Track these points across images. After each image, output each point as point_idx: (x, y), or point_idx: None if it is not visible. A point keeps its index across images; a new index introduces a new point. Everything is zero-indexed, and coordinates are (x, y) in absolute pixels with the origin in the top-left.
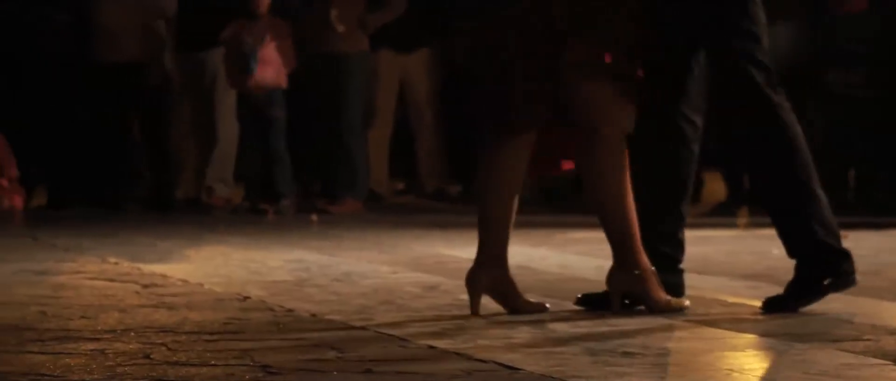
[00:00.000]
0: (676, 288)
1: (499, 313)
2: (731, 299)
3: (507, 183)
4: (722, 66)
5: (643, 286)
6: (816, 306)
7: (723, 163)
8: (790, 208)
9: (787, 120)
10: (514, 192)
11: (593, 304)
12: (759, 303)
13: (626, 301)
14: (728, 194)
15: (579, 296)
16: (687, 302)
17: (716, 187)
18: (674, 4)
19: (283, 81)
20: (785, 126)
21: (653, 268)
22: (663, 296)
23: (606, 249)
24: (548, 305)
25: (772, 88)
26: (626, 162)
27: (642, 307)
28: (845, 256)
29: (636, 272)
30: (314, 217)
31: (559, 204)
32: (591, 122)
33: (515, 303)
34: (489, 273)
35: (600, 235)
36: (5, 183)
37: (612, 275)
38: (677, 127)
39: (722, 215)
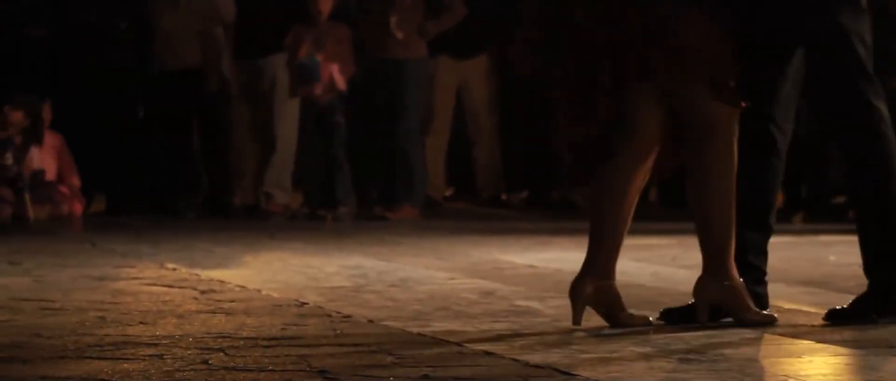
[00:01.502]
0: (762, 299)
1: (558, 317)
2: (787, 306)
3: (617, 196)
4: (824, 75)
5: (734, 298)
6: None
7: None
8: (883, 222)
9: (888, 134)
10: (624, 204)
11: (677, 318)
12: (815, 309)
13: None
14: (784, 201)
15: (662, 311)
16: (775, 315)
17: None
18: (771, 8)
19: (343, 87)
20: (886, 140)
21: (742, 280)
22: (754, 309)
23: (662, 254)
24: (651, 318)
25: (877, 99)
26: (734, 171)
27: (729, 319)
28: None
29: (726, 283)
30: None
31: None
32: (699, 129)
33: (618, 316)
34: (594, 285)
35: (655, 241)
36: (66, 190)
37: (702, 284)
38: (769, 135)
39: (779, 221)
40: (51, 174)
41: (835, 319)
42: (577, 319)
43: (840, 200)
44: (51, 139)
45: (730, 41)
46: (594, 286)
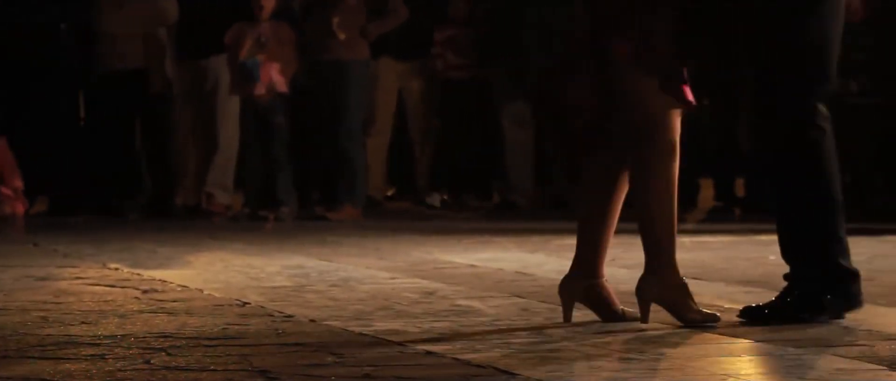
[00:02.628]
0: (856, 298)
1: (498, 317)
2: (727, 305)
3: (604, 194)
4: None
5: (675, 297)
6: None
7: (714, 169)
8: (808, 223)
9: (825, 147)
10: (612, 203)
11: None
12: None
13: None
14: (720, 200)
15: (743, 309)
16: (718, 314)
17: (708, 194)
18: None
19: (284, 87)
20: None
21: (684, 281)
22: (696, 308)
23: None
24: (639, 314)
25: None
26: (673, 167)
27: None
28: (853, 276)
29: (668, 282)
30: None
31: (559, 211)
32: (643, 126)
33: (610, 312)
34: (583, 282)
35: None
36: (7, 191)
37: (645, 284)
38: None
39: (716, 220)
40: None
41: (751, 316)
42: (567, 316)
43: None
44: None
45: (684, 38)
46: (585, 284)
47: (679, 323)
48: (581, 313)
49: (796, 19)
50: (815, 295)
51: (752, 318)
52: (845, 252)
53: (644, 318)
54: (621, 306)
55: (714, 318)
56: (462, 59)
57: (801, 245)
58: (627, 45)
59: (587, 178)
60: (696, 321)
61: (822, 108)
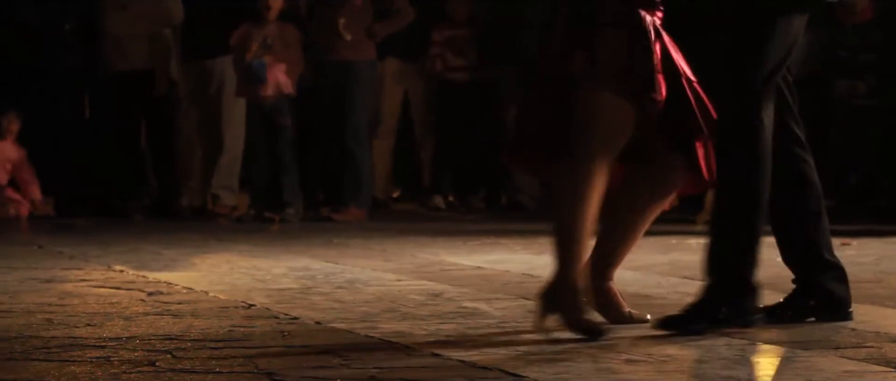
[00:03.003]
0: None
1: (505, 319)
2: None
3: (627, 200)
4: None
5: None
6: None
7: None
8: (732, 229)
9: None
10: (634, 211)
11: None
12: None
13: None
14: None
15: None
16: (648, 315)
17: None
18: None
19: (290, 88)
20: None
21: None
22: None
23: None
24: (649, 316)
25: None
26: (581, 190)
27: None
28: (752, 292)
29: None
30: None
31: None
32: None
33: (616, 314)
34: (590, 284)
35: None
36: (16, 195)
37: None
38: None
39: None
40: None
41: (667, 325)
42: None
43: None
44: (10, 151)
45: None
46: (592, 286)
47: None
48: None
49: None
50: (710, 305)
51: (666, 326)
52: (754, 264)
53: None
54: (628, 309)
55: (642, 319)
56: (462, 59)
57: (713, 251)
58: (583, 56)
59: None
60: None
61: (765, 117)
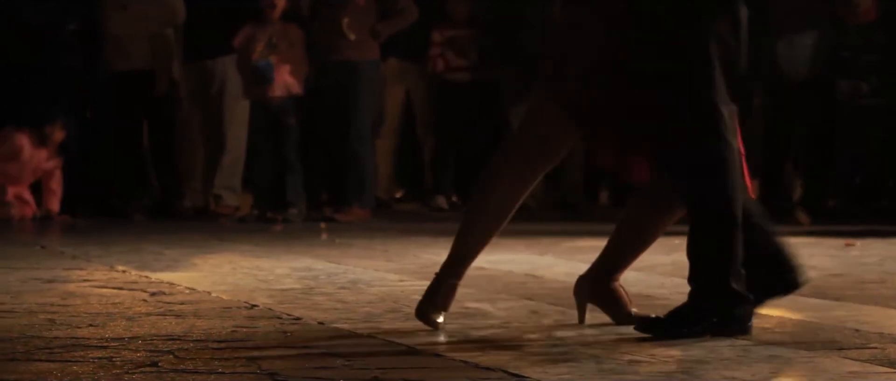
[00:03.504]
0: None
1: (508, 319)
2: None
3: (648, 206)
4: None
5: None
6: (823, 315)
7: None
8: (706, 235)
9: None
10: (662, 226)
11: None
12: (768, 312)
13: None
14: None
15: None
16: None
17: None
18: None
19: (298, 89)
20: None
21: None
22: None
23: None
24: (653, 316)
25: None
26: (492, 196)
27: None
28: (743, 300)
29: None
30: (324, 227)
31: (567, 213)
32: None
33: (622, 314)
34: (597, 283)
35: (600, 243)
36: (28, 197)
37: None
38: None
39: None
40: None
41: (646, 328)
42: (581, 317)
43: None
44: (43, 160)
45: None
46: (596, 285)
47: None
48: (592, 316)
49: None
50: (698, 311)
51: (643, 328)
52: (739, 274)
53: (581, 320)
54: (634, 309)
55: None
56: (463, 60)
57: (696, 259)
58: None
59: (642, 187)
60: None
61: (727, 121)
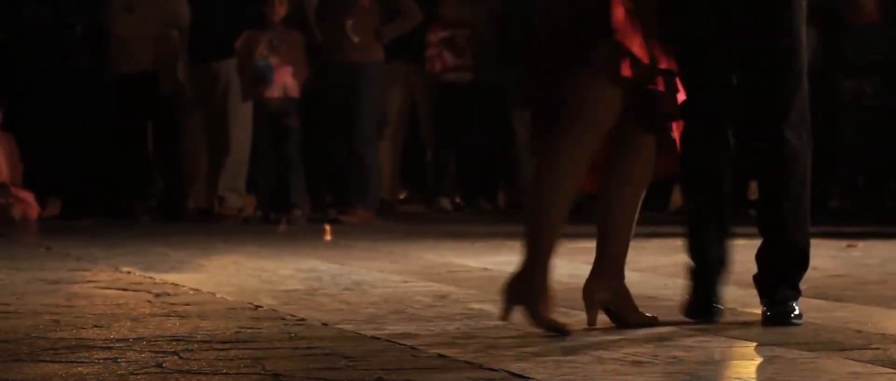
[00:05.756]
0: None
1: (510, 322)
2: (740, 308)
3: (623, 192)
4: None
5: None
6: (825, 315)
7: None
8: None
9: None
10: (631, 201)
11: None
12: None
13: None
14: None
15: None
16: (656, 317)
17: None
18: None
19: (296, 92)
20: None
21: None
22: (639, 311)
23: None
24: (657, 318)
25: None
26: (569, 167)
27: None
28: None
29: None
30: (327, 229)
31: (570, 214)
32: (633, 126)
33: (628, 315)
34: (605, 284)
35: None
36: (21, 194)
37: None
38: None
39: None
40: (3, 175)
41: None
42: (591, 320)
43: None
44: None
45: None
46: (605, 287)
47: (686, 327)
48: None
49: None
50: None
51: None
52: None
53: (592, 322)
54: (640, 311)
55: (655, 321)
56: (461, 60)
57: None
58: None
59: (609, 178)
60: (639, 324)
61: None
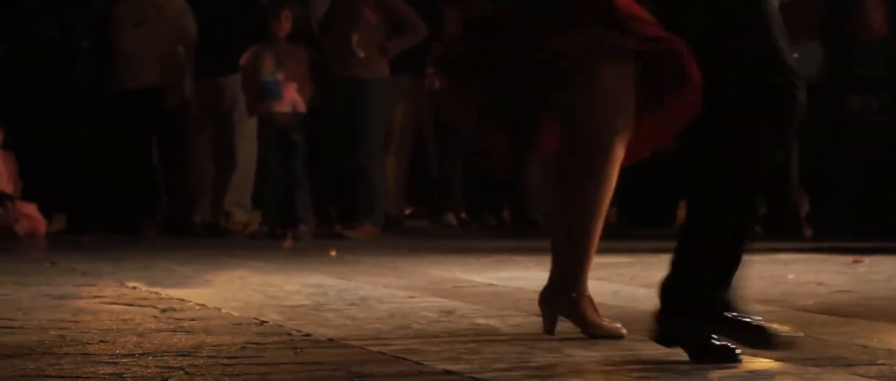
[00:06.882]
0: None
1: (518, 336)
2: None
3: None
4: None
5: (580, 309)
6: (830, 331)
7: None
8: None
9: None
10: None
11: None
12: (777, 326)
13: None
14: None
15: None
16: (623, 329)
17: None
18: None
19: (303, 107)
20: None
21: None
22: (599, 320)
23: (621, 273)
24: (623, 330)
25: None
26: (612, 173)
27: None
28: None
29: (574, 295)
30: (333, 253)
31: None
32: (576, 123)
33: (592, 326)
34: (566, 295)
35: (615, 259)
36: (26, 209)
37: (551, 297)
38: None
39: None
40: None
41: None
42: (548, 328)
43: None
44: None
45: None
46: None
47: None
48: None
49: None
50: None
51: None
52: None
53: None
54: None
55: (617, 333)
56: None
57: None
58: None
59: (559, 188)
60: (600, 333)
61: None
